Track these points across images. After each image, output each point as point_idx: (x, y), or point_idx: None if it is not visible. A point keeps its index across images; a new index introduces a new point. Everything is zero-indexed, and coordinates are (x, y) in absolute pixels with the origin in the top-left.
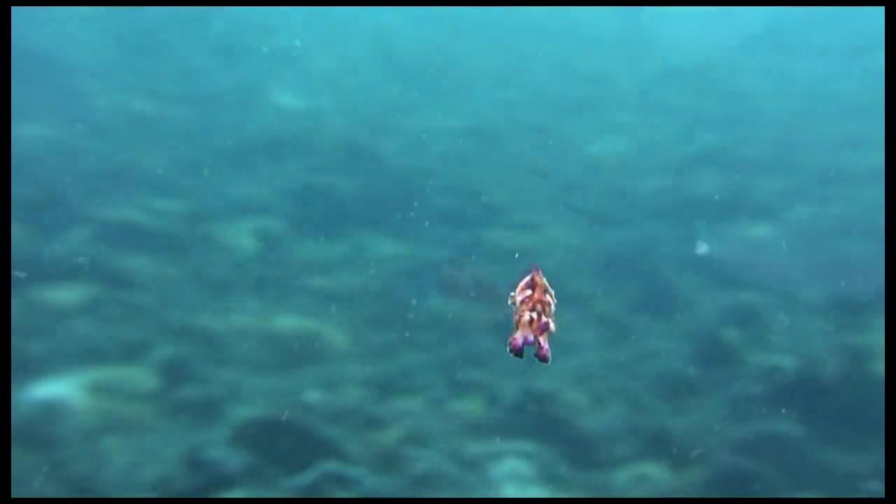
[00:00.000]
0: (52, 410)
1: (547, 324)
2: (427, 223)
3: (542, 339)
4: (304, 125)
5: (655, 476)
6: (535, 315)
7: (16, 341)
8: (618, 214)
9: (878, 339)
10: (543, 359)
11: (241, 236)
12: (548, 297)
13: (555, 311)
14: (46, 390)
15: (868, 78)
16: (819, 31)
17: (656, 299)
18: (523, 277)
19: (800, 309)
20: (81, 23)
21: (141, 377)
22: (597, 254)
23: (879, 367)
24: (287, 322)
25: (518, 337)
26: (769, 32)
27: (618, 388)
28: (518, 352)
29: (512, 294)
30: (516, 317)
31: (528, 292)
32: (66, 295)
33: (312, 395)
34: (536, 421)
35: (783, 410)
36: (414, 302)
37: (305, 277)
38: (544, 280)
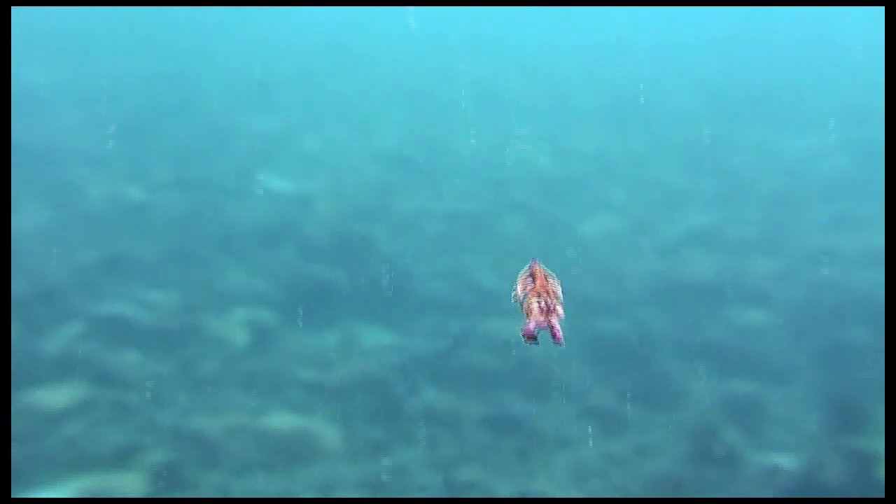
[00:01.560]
0: None
1: (555, 307)
2: (419, 312)
3: (555, 324)
4: (295, 210)
5: None
6: (542, 302)
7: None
8: (610, 299)
9: (878, 440)
10: (558, 341)
11: (233, 328)
12: (551, 283)
13: (561, 294)
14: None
15: (860, 153)
16: (810, 101)
17: (651, 389)
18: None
19: (798, 402)
20: (72, 109)
21: (133, 484)
22: (589, 341)
23: (881, 473)
24: (279, 419)
25: (530, 323)
26: (758, 103)
27: (616, 488)
28: (532, 337)
29: (515, 290)
30: (525, 306)
31: (531, 281)
32: (56, 396)
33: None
34: None
35: None
36: (407, 396)
37: (297, 370)
38: (544, 268)
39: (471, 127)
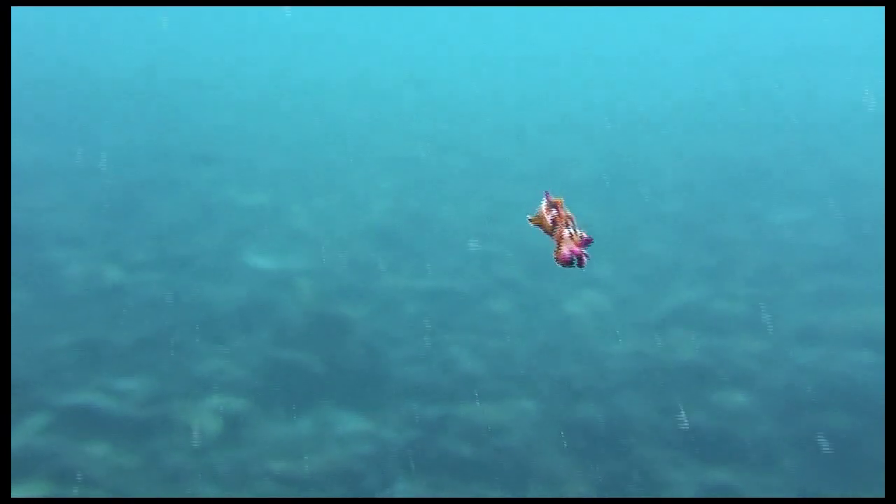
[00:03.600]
0: None
1: (589, 238)
2: (395, 398)
3: (585, 252)
4: (275, 291)
5: None
6: (573, 230)
7: None
8: (591, 383)
9: None
10: (583, 265)
11: (205, 417)
12: (571, 212)
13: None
14: None
15: (850, 227)
16: (801, 171)
17: (630, 479)
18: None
19: (778, 492)
20: (54, 189)
21: None
22: (569, 428)
23: None
24: None
25: (566, 251)
26: (749, 172)
27: None
28: (569, 263)
29: (530, 217)
30: (556, 233)
31: (554, 212)
32: (14, 497)
33: None
34: None
35: None
36: (379, 488)
37: (268, 461)
38: (560, 199)
39: (459, 197)
